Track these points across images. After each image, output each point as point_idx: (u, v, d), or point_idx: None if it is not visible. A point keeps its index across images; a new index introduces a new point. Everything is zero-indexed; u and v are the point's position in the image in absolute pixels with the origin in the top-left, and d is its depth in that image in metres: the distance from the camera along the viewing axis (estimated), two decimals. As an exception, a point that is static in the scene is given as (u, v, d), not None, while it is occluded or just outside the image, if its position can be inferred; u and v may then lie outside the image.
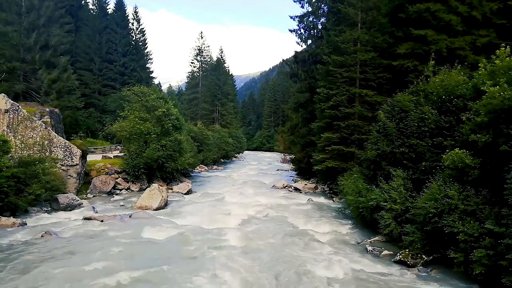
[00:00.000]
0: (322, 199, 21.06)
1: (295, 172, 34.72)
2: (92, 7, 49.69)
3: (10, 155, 15.20)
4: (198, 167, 36.72)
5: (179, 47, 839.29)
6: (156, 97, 25.11)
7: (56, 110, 24.93)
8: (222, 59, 69.38)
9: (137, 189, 22.33)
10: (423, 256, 10.03)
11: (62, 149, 18.88)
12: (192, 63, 69.08)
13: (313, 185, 25.81)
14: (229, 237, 12.25)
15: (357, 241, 12.55)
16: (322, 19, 28.66)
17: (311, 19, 29.17)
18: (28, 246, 10.62)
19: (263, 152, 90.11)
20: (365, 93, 20.03)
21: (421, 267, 9.78)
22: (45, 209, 15.53)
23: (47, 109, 23.36)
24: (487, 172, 9.34)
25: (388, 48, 19.07)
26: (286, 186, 26.04)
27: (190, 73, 70.76)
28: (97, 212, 15.75)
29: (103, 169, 22.17)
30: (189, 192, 22.64)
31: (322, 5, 28.43)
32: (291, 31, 29.46)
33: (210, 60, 69.72)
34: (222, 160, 52.66)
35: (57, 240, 11.36)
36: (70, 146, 19.14)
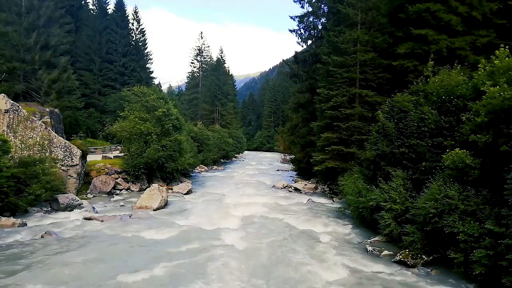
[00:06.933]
0: (322, 199, 21.05)
1: (295, 172, 34.71)
2: (92, 7, 49.69)
3: (10, 155, 15.19)
4: (198, 167, 36.70)
5: (179, 47, 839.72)
6: (156, 97, 25.11)
7: (56, 110, 24.90)
8: (222, 59, 69.33)
9: (137, 189, 22.32)
10: (423, 256, 10.03)
11: (62, 149, 18.87)
12: (192, 63, 69.11)
13: (313, 185, 25.81)
14: (229, 237, 12.27)
15: (357, 241, 12.54)
16: (323, 19, 28.65)
17: (311, 19, 29.15)
18: (28, 247, 10.62)
19: (263, 152, 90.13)
20: (365, 93, 20.03)
21: (421, 267, 9.79)
22: (45, 209, 15.51)
23: (47, 109, 23.34)
24: (487, 172, 9.34)
25: (388, 48, 19.07)
26: (286, 186, 26.04)
27: (190, 73, 70.77)
28: (97, 212, 15.75)
29: (103, 169, 22.15)
30: (189, 192, 22.63)
31: (322, 5, 28.43)
32: (291, 31, 29.46)
33: (210, 60, 69.71)
34: (222, 160, 52.64)
35: (57, 241, 11.36)
36: (70, 146, 19.13)
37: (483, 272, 8.06)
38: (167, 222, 14.54)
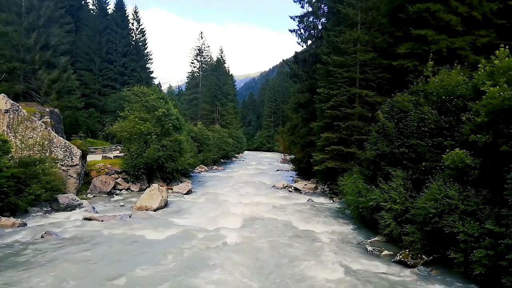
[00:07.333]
0: (322, 199, 21.05)
1: (295, 172, 34.71)
2: (92, 7, 49.71)
3: (10, 155, 15.19)
4: (198, 167, 36.68)
5: (179, 47, 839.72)
6: (156, 97, 25.11)
7: (56, 110, 24.90)
8: (222, 59, 69.33)
9: (137, 189, 22.32)
10: (423, 256, 10.03)
11: (62, 149, 18.87)
12: (192, 63, 69.10)
13: (313, 185, 25.81)
14: (229, 237, 12.26)
15: (357, 241, 12.55)
16: (323, 19, 28.64)
17: (311, 19, 29.14)
18: (28, 247, 10.61)
19: (263, 152, 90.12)
20: (365, 93, 20.03)
21: (421, 267, 9.78)
22: (45, 209, 15.52)
23: (47, 109, 23.34)
24: (487, 172, 9.34)
25: (388, 48, 19.07)
26: (286, 186, 26.04)
27: (190, 73, 70.77)
28: (97, 212, 15.75)
29: (103, 169, 22.15)
30: (189, 192, 22.63)
31: (322, 5, 28.43)
32: (291, 31, 29.45)
33: (210, 60, 69.72)
34: (222, 160, 52.63)
35: (57, 241, 11.36)
36: (70, 146, 19.13)
37: (483, 272, 8.06)
38: (167, 222, 14.55)
